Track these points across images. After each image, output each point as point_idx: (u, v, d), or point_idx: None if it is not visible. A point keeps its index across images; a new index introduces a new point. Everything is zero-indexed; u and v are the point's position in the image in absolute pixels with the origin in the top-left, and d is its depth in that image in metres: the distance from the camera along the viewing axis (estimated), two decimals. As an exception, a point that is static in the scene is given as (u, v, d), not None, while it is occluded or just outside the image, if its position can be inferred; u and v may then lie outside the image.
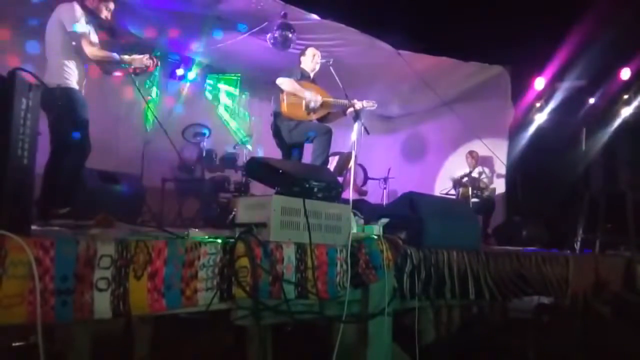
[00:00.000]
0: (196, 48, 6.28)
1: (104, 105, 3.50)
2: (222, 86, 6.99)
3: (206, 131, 6.13)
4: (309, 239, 2.19)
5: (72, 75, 3.34)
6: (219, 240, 1.94)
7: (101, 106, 3.77)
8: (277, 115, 4.39)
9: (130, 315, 1.69)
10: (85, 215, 2.71)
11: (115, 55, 3.54)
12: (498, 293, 3.21)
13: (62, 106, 3.25)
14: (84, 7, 3.38)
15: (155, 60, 3.65)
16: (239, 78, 6.89)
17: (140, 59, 3.58)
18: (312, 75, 4.59)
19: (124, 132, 5.99)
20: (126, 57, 3.59)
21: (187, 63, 6.69)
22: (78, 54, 3.33)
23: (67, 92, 3.30)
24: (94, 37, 3.42)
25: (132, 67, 3.61)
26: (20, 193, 1.61)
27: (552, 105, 7.18)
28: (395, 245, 2.58)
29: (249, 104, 7.26)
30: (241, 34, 5.77)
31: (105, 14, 3.55)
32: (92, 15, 3.43)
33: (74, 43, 3.30)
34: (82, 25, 3.31)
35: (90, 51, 3.33)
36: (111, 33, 3.60)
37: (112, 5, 3.61)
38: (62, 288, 1.53)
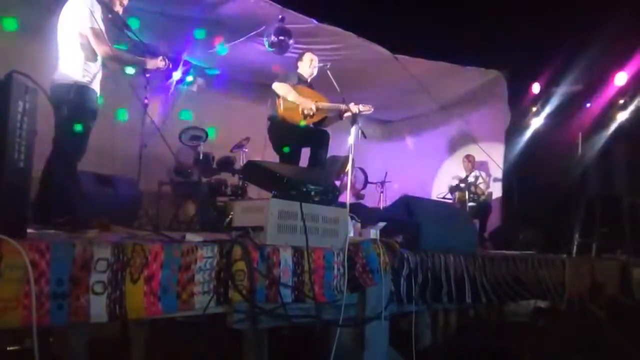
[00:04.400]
0: (193, 52, 6.28)
1: (101, 107, 3.46)
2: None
3: (203, 135, 6.11)
4: (306, 243, 2.19)
5: (90, 74, 3.27)
6: (216, 244, 1.94)
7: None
8: (274, 119, 4.39)
9: (126, 319, 1.69)
10: (82, 219, 2.69)
11: (129, 56, 3.48)
12: (495, 296, 3.22)
13: (75, 104, 3.15)
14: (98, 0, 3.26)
15: (167, 62, 3.61)
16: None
17: (155, 62, 3.54)
18: (309, 79, 4.60)
19: (120, 136, 5.97)
20: (139, 58, 3.54)
21: (185, 67, 6.68)
22: (93, 52, 3.26)
23: (83, 90, 3.23)
24: (106, 35, 3.32)
25: (144, 67, 3.55)
26: (17, 196, 1.61)
27: (548, 109, 7.22)
28: (392, 249, 2.58)
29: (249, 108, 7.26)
30: (239, 37, 5.78)
31: (118, 8, 3.44)
32: (106, 9, 3.34)
33: (89, 40, 3.22)
34: (97, 22, 3.20)
35: (104, 50, 3.23)
36: (123, 30, 3.48)
37: (125, 0, 3.48)
38: (58, 291, 1.53)
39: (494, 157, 7.05)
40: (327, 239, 2.35)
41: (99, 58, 3.29)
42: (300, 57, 4.67)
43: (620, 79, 6.56)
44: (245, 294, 1.94)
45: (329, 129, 4.56)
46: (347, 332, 2.41)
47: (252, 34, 5.69)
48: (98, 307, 1.60)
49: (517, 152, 7.38)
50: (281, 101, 4.32)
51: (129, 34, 3.45)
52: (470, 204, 6.78)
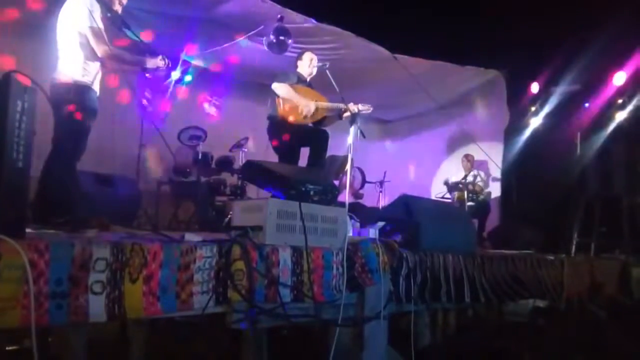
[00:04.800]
0: (192, 51, 6.28)
1: (100, 107, 3.45)
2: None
3: (202, 134, 6.12)
4: (305, 242, 2.19)
5: (90, 74, 3.26)
6: (215, 244, 1.94)
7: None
8: (273, 118, 4.39)
9: (125, 318, 1.68)
10: (81, 218, 2.69)
11: (129, 55, 3.47)
12: (494, 296, 3.22)
13: (76, 104, 3.14)
14: None
15: (167, 61, 3.60)
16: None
17: (155, 61, 3.53)
18: (308, 79, 4.60)
19: (119, 135, 5.97)
20: (139, 57, 3.52)
21: (184, 66, 6.67)
22: (93, 52, 3.25)
23: (82, 90, 3.21)
24: (105, 34, 3.30)
25: (143, 67, 3.54)
26: (15, 196, 1.60)
27: (547, 109, 7.22)
28: (391, 249, 2.58)
29: (248, 108, 7.27)
30: (238, 37, 5.77)
31: (117, 7, 3.42)
32: (106, 9, 3.32)
33: (88, 39, 3.20)
34: (97, 21, 3.18)
35: (103, 49, 3.21)
36: (122, 29, 3.46)
37: (124, 0, 3.47)
38: (57, 291, 1.53)
39: (493, 156, 7.05)
40: (326, 239, 2.35)
41: (99, 58, 3.28)
42: (299, 57, 4.67)
43: (619, 78, 6.56)
44: (244, 294, 1.94)
45: (328, 129, 4.56)
46: (346, 332, 2.41)
47: (251, 33, 5.68)
48: (97, 307, 1.60)
49: (516, 152, 7.38)
50: (281, 101, 4.32)
51: (128, 33, 3.44)
52: (469, 203, 6.78)
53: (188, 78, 6.82)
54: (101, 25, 3.24)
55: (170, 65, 3.70)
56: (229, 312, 1.97)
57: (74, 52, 3.23)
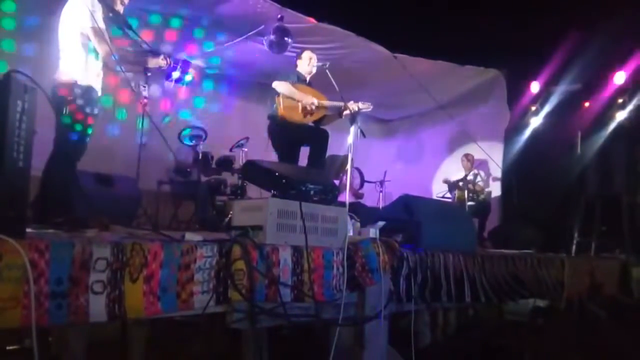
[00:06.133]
0: (193, 51, 6.28)
1: (100, 107, 3.45)
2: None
3: (202, 134, 6.12)
4: (305, 242, 2.19)
5: (91, 74, 3.27)
6: (215, 243, 1.94)
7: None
8: (273, 118, 4.39)
9: (125, 318, 1.68)
10: (81, 218, 2.69)
11: (131, 55, 3.47)
12: (494, 296, 3.22)
13: (78, 104, 3.15)
14: None
15: (168, 60, 3.60)
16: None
17: (157, 61, 3.53)
18: (308, 78, 4.60)
19: (120, 135, 5.97)
20: (141, 57, 3.52)
21: (184, 66, 6.68)
22: (94, 51, 3.24)
23: (85, 90, 3.21)
24: (107, 34, 3.30)
25: (145, 66, 3.53)
26: (16, 195, 1.60)
27: (547, 108, 7.23)
28: (392, 248, 2.58)
29: (248, 107, 7.27)
30: (238, 37, 5.78)
31: (119, 7, 3.40)
32: (107, 9, 3.32)
33: (90, 39, 3.21)
34: (98, 21, 3.17)
35: (105, 49, 3.20)
36: (124, 29, 3.45)
37: (126, 0, 3.46)
38: (57, 291, 1.53)
39: (493, 156, 7.04)
40: (327, 238, 2.35)
41: (100, 58, 3.28)
42: (299, 56, 4.67)
43: (619, 78, 6.56)
44: (245, 293, 1.94)
45: (328, 128, 4.56)
46: (347, 332, 2.41)
47: (251, 33, 5.68)
48: (97, 307, 1.60)
49: (516, 151, 7.38)
50: (281, 100, 4.32)
51: (130, 33, 3.44)
52: (470, 203, 6.78)
53: (188, 78, 6.85)
54: (103, 26, 3.24)
55: (171, 65, 3.69)
56: (230, 312, 1.97)
57: (75, 52, 3.23)
